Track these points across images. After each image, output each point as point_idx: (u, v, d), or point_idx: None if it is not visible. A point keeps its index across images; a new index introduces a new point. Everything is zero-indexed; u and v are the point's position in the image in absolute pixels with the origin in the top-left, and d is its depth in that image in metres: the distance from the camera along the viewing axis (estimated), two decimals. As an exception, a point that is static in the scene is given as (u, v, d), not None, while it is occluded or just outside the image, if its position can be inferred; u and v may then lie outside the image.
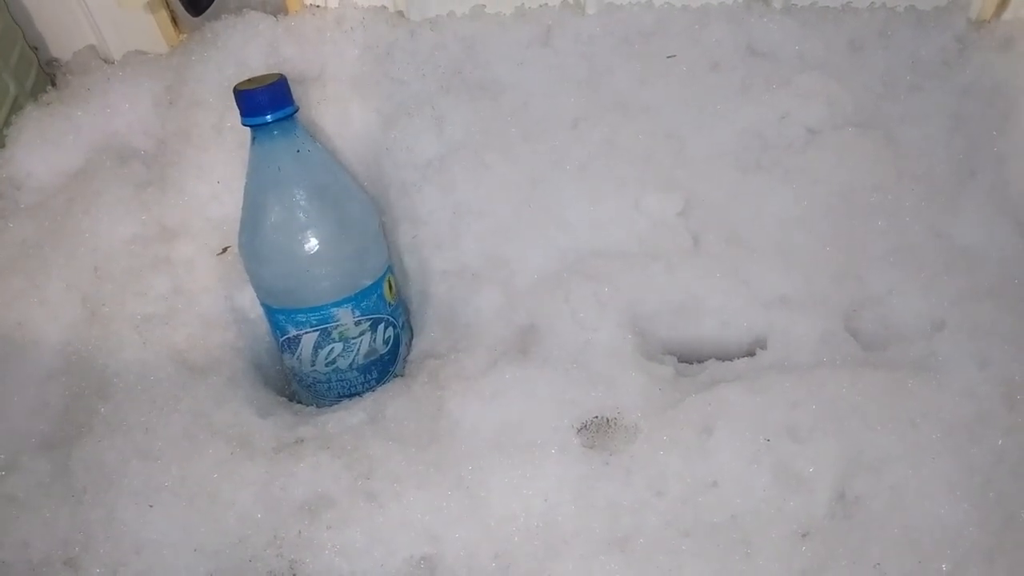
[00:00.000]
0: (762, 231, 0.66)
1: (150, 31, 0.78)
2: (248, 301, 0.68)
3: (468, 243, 0.68)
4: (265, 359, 0.69)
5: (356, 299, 0.65)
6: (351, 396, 0.67)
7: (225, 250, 0.69)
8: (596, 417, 0.57)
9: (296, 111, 0.62)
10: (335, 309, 0.64)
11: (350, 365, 0.67)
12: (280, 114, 0.60)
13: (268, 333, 0.70)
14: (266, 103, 0.60)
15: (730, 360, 0.61)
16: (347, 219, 0.64)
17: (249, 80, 0.62)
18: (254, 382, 0.65)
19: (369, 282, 0.65)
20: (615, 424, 0.56)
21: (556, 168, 0.68)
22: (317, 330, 0.65)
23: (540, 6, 0.73)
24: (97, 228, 0.68)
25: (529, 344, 0.63)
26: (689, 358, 0.64)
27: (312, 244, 0.62)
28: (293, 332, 0.65)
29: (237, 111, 0.60)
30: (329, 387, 0.68)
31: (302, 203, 0.62)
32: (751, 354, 0.61)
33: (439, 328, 0.66)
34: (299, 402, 0.69)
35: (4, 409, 0.60)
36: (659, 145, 0.68)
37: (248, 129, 0.61)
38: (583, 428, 0.57)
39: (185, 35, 0.80)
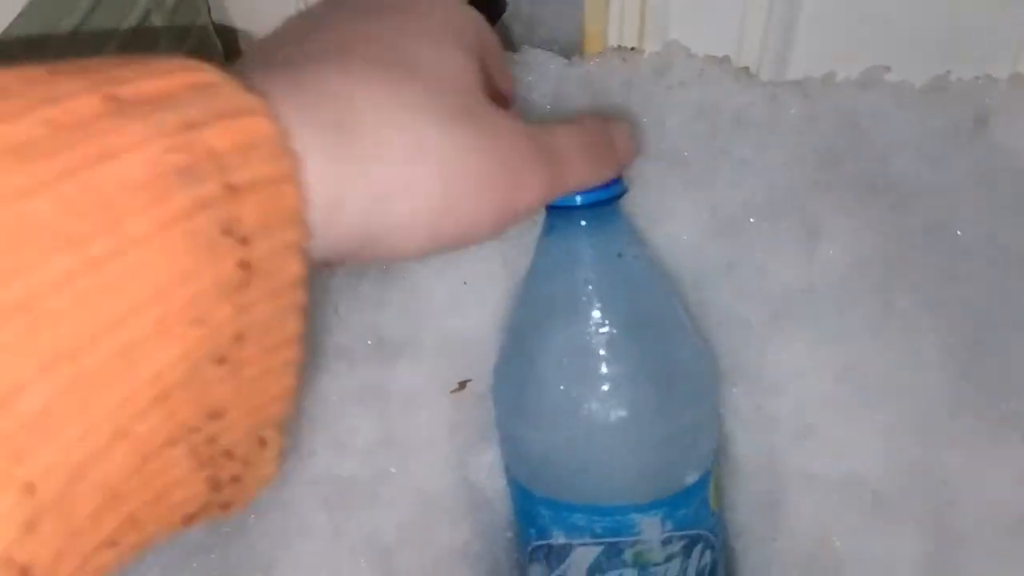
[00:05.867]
0: None
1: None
2: (489, 469, 0.44)
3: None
4: (504, 565, 0.44)
5: (671, 504, 0.40)
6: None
7: (463, 385, 0.45)
8: None
9: (624, 193, 0.39)
10: (637, 516, 0.39)
11: (643, 609, 0.41)
12: (602, 195, 0.37)
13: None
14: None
15: None
16: (677, 376, 0.40)
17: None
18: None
19: (694, 478, 0.40)
20: None
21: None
22: (601, 543, 0.40)
23: (975, 78, 0.48)
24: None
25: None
26: None
27: (620, 408, 0.38)
28: (559, 539, 0.40)
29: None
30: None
31: (614, 339, 0.38)
32: None
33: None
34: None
35: None
36: None
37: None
38: None
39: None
